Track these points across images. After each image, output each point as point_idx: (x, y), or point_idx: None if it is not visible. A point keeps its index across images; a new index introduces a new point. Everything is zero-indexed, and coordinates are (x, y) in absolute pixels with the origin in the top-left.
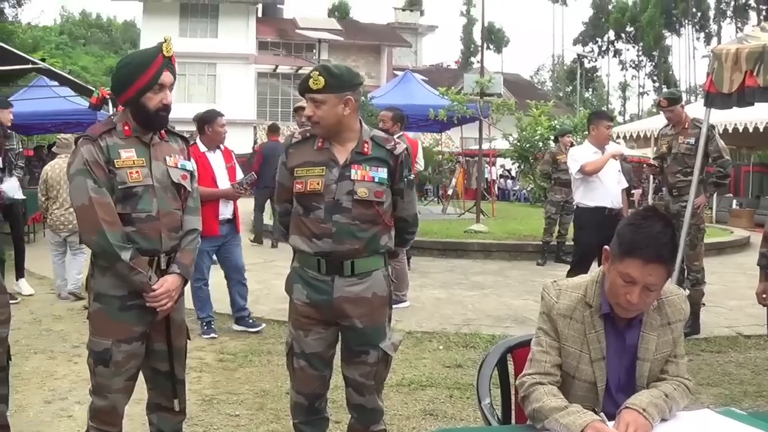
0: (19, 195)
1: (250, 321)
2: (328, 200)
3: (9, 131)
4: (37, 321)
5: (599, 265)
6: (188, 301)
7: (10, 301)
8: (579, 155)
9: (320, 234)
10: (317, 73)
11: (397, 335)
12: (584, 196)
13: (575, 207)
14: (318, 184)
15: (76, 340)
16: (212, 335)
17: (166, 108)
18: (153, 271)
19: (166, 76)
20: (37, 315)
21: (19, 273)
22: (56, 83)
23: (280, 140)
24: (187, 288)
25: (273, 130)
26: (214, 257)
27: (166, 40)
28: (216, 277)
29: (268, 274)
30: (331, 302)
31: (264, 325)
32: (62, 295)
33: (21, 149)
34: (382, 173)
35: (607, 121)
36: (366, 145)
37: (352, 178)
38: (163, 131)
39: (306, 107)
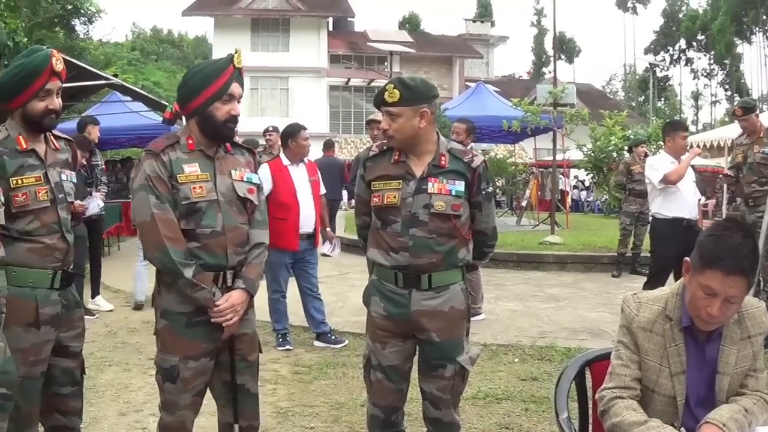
0: (98, 211)
1: (333, 337)
2: (404, 214)
3: (93, 148)
4: (113, 334)
5: (675, 277)
6: (264, 314)
7: (90, 317)
8: (659, 164)
9: (397, 247)
10: (392, 86)
11: (475, 349)
12: (662, 207)
13: (652, 218)
14: (395, 197)
15: (151, 352)
16: (287, 347)
17: (234, 119)
18: (218, 287)
19: (235, 87)
20: (112, 328)
21: (95, 290)
22: (129, 98)
23: (334, 155)
24: (264, 300)
25: (328, 146)
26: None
27: (237, 52)
28: (292, 290)
29: (343, 286)
30: (408, 316)
31: (347, 341)
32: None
33: (103, 165)
34: (459, 186)
35: (682, 131)
36: (443, 157)
37: (429, 191)
38: (228, 144)
39: (382, 120)
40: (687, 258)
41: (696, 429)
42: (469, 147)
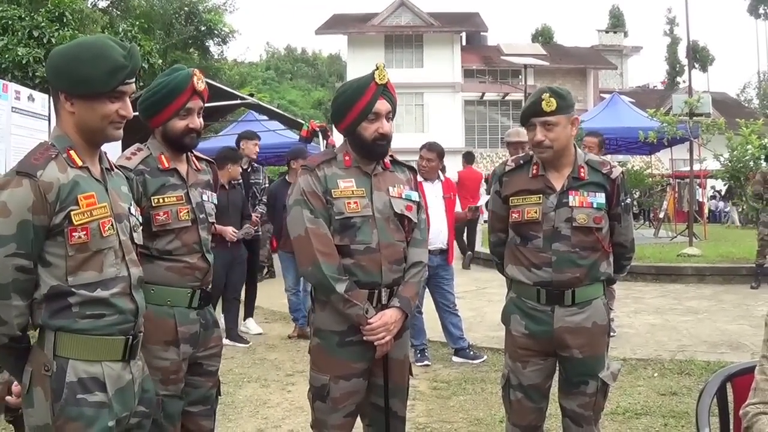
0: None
1: (471, 353)
2: (546, 228)
3: (257, 165)
4: (251, 350)
5: None
6: None
7: (242, 344)
8: None
9: (539, 263)
10: (548, 95)
11: (616, 364)
12: None
13: None
14: (536, 212)
15: (289, 368)
16: (426, 363)
17: (384, 137)
18: (373, 305)
19: (381, 104)
20: (252, 344)
21: (249, 312)
22: (265, 117)
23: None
24: None
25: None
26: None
27: (378, 67)
28: (429, 306)
29: (481, 301)
30: (551, 333)
31: (486, 356)
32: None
33: (266, 183)
34: (600, 198)
35: None
36: (582, 170)
37: (570, 204)
38: (387, 161)
39: (536, 132)
40: None
41: None
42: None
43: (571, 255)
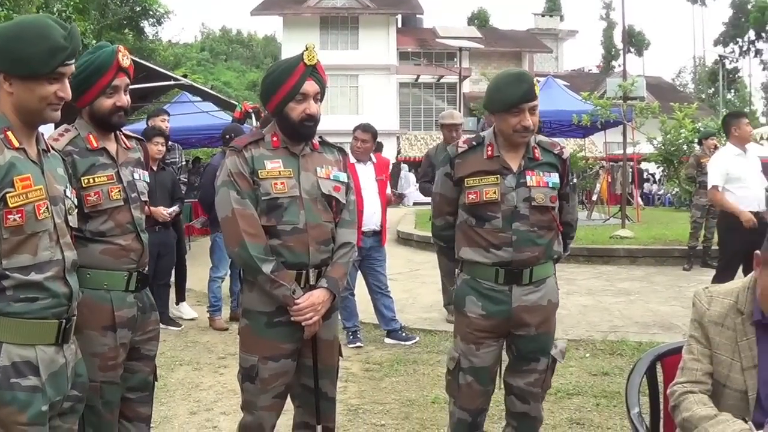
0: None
1: (403, 334)
2: (505, 209)
3: (171, 144)
4: (183, 333)
5: (744, 270)
6: None
7: (175, 328)
8: (725, 163)
9: (499, 243)
10: (531, 79)
11: (562, 342)
12: (729, 200)
13: (719, 211)
14: (494, 192)
15: (221, 351)
16: (358, 344)
17: (311, 118)
18: (301, 286)
19: (309, 85)
20: (184, 327)
21: (180, 296)
22: (199, 99)
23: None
24: None
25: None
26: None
27: (308, 48)
28: (361, 287)
29: (414, 283)
30: (509, 312)
31: (418, 337)
32: None
33: (184, 162)
34: (555, 178)
35: (745, 118)
36: (536, 150)
37: (528, 184)
38: (316, 142)
39: (525, 117)
40: (758, 251)
41: (765, 424)
42: None
43: (530, 234)
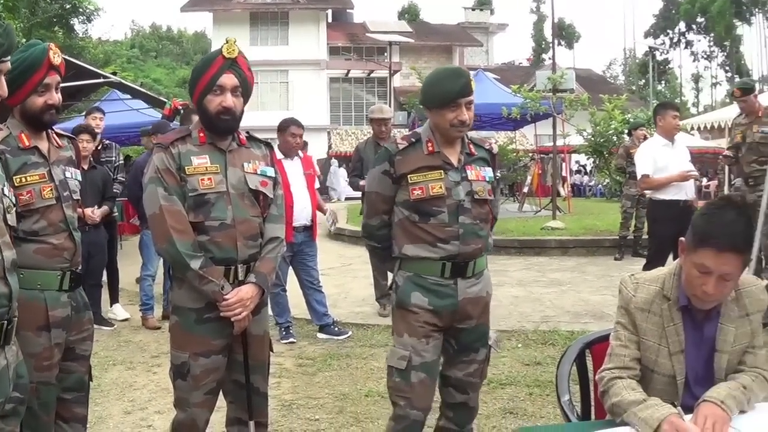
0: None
1: (336, 329)
2: (450, 203)
3: (108, 142)
4: (116, 332)
5: (674, 258)
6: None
7: (107, 328)
8: (651, 153)
9: (446, 237)
10: (468, 75)
11: (494, 332)
12: (657, 189)
13: (648, 200)
14: (440, 187)
15: (154, 350)
16: (291, 340)
17: (228, 111)
18: (229, 281)
19: (226, 78)
20: (116, 326)
21: (114, 297)
22: (128, 96)
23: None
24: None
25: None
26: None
27: (227, 41)
28: (293, 283)
29: (346, 277)
30: (456, 305)
31: (350, 332)
32: None
33: (121, 161)
34: (489, 172)
35: (672, 110)
36: (470, 145)
37: (470, 178)
38: (243, 137)
39: (462, 112)
40: (682, 238)
41: (694, 407)
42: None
43: (474, 227)
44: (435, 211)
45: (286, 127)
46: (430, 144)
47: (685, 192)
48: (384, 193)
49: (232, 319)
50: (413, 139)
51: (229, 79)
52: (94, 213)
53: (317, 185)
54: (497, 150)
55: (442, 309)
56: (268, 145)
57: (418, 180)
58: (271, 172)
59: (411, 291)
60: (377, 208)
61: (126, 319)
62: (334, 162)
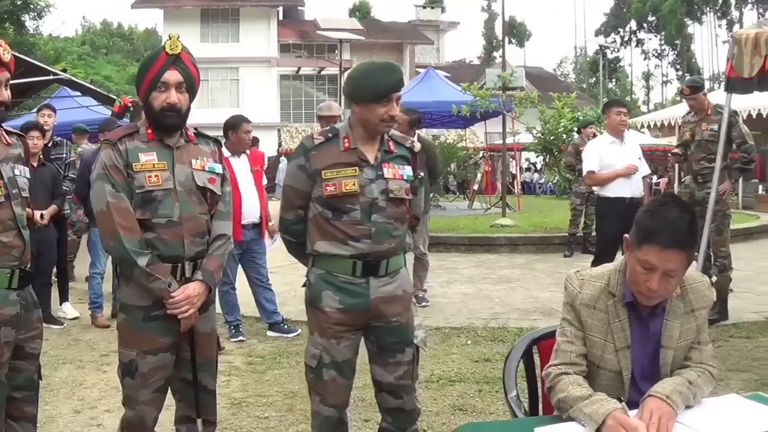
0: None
1: (285, 327)
2: (363, 201)
3: (59, 139)
4: (66, 331)
5: (623, 255)
6: (215, 306)
7: (57, 326)
8: (597, 151)
9: (358, 236)
10: (400, 69)
11: (421, 331)
12: (605, 187)
13: (597, 197)
14: (353, 184)
15: (104, 348)
16: (240, 338)
17: (172, 108)
18: (176, 279)
19: (170, 74)
20: (66, 325)
21: (63, 296)
22: (79, 93)
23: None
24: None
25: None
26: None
27: (171, 37)
28: (242, 280)
29: (294, 275)
30: (367, 305)
31: (300, 330)
32: None
33: (72, 158)
34: (408, 171)
35: (617, 107)
36: (390, 143)
37: (386, 176)
38: (191, 134)
39: (393, 107)
40: (627, 235)
41: (640, 402)
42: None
43: (387, 226)
44: (348, 208)
45: (239, 124)
46: (346, 140)
47: (632, 189)
48: (299, 188)
49: (179, 317)
50: (330, 135)
51: (172, 76)
52: (43, 218)
53: (264, 182)
54: (418, 148)
55: (354, 308)
56: (216, 141)
57: (332, 176)
58: (219, 168)
59: (322, 290)
60: (292, 202)
61: (76, 318)
62: (283, 159)
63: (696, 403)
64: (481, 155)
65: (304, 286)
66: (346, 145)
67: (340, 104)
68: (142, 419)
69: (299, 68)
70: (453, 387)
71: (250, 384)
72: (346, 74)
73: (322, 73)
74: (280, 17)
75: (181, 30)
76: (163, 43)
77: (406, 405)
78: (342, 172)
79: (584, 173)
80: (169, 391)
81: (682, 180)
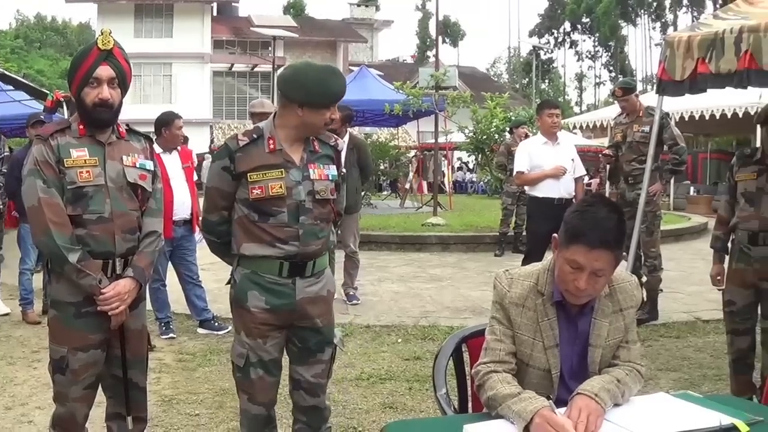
0: None
1: (216, 324)
2: (290, 203)
3: None
4: None
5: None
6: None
7: None
8: (530, 151)
9: (285, 238)
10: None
11: (338, 329)
12: (534, 187)
13: (528, 197)
14: (280, 187)
15: (35, 345)
16: (171, 335)
17: (104, 103)
18: (107, 275)
19: (102, 70)
20: None
21: None
22: (11, 87)
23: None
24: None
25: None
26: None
27: (103, 33)
28: (173, 277)
29: (225, 272)
30: (293, 305)
31: (230, 327)
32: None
33: (6, 152)
34: (333, 170)
35: (549, 109)
36: (315, 143)
37: (312, 177)
38: (123, 130)
39: (335, 111)
40: (555, 234)
41: (569, 400)
42: (346, 136)
43: (314, 228)
44: (275, 211)
45: (172, 120)
46: (271, 141)
47: (561, 190)
48: (223, 189)
49: (110, 314)
50: (255, 135)
51: (105, 71)
52: None
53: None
54: (342, 146)
55: (280, 308)
56: (147, 138)
57: (258, 179)
58: (150, 165)
59: (248, 290)
60: (216, 204)
61: (6, 314)
62: (208, 157)
63: (624, 401)
64: (413, 154)
65: (228, 284)
66: (272, 146)
67: (272, 101)
68: (73, 416)
69: (232, 65)
70: (383, 385)
71: (180, 381)
72: (279, 72)
73: (255, 70)
74: (214, 13)
75: (114, 25)
76: (95, 39)
77: (321, 404)
78: (268, 174)
79: (515, 172)
80: (100, 388)
81: (615, 182)
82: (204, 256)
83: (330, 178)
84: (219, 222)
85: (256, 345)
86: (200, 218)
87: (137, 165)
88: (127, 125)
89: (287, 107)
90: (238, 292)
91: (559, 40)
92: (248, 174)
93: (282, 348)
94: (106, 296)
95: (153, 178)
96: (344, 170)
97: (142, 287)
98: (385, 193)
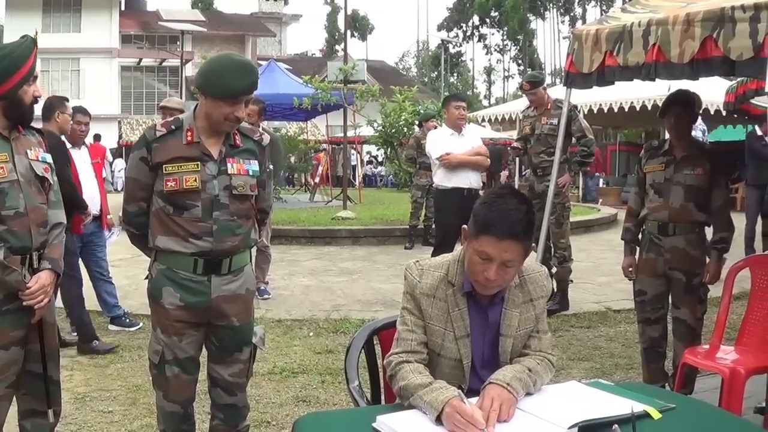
0: None
1: (127, 320)
2: (205, 197)
3: None
4: None
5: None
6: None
7: None
8: (438, 140)
9: (199, 233)
10: (257, 72)
11: (260, 328)
12: (442, 178)
13: (435, 189)
14: (195, 180)
15: None
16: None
17: (37, 101)
18: (26, 270)
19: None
20: None
21: None
22: None
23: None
24: None
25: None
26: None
27: (37, 33)
28: (84, 274)
29: (137, 269)
30: (208, 303)
31: (142, 323)
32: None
33: None
34: (255, 165)
35: (456, 101)
36: (236, 136)
37: (229, 172)
38: (19, 126)
39: (241, 109)
40: (465, 226)
41: (481, 389)
42: (260, 128)
43: (230, 224)
44: (189, 204)
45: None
46: (189, 133)
47: (469, 181)
48: (141, 180)
49: (36, 307)
50: (173, 126)
51: (37, 68)
52: None
53: (104, 175)
54: (267, 141)
55: (195, 306)
56: (39, 131)
57: (173, 171)
58: (49, 158)
59: (163, 286)
60: (135, 195)
61: None
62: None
63: (536, 391)
64: (322, 148)
65: (146, 278)
66: (189, 138)
67: (181, 97)
68: None
69: (140, 59)
70: (296, 379)
71: (93, 378)
72: (188, 66)
73: (164, 64)
74: (122, 8)
75: (22, 20)
76: (31, 36)
77: (239, 402)
78: (184, 166)
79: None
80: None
81: (523, 173)
82: (114, 252)
83: (251, 173)
84: (137, 213)
85: (171, 342)
86: (109, 215)
87: (40, 158)
88: None
89: (201, 98)
90: (154, 288)
91: (468, 33)
92: (164, 165)
93: (200, 346)
94: (32, 290)
95: (52, 171)
96: (271, 166)
97: (59, 277)
98: (293, 187)
